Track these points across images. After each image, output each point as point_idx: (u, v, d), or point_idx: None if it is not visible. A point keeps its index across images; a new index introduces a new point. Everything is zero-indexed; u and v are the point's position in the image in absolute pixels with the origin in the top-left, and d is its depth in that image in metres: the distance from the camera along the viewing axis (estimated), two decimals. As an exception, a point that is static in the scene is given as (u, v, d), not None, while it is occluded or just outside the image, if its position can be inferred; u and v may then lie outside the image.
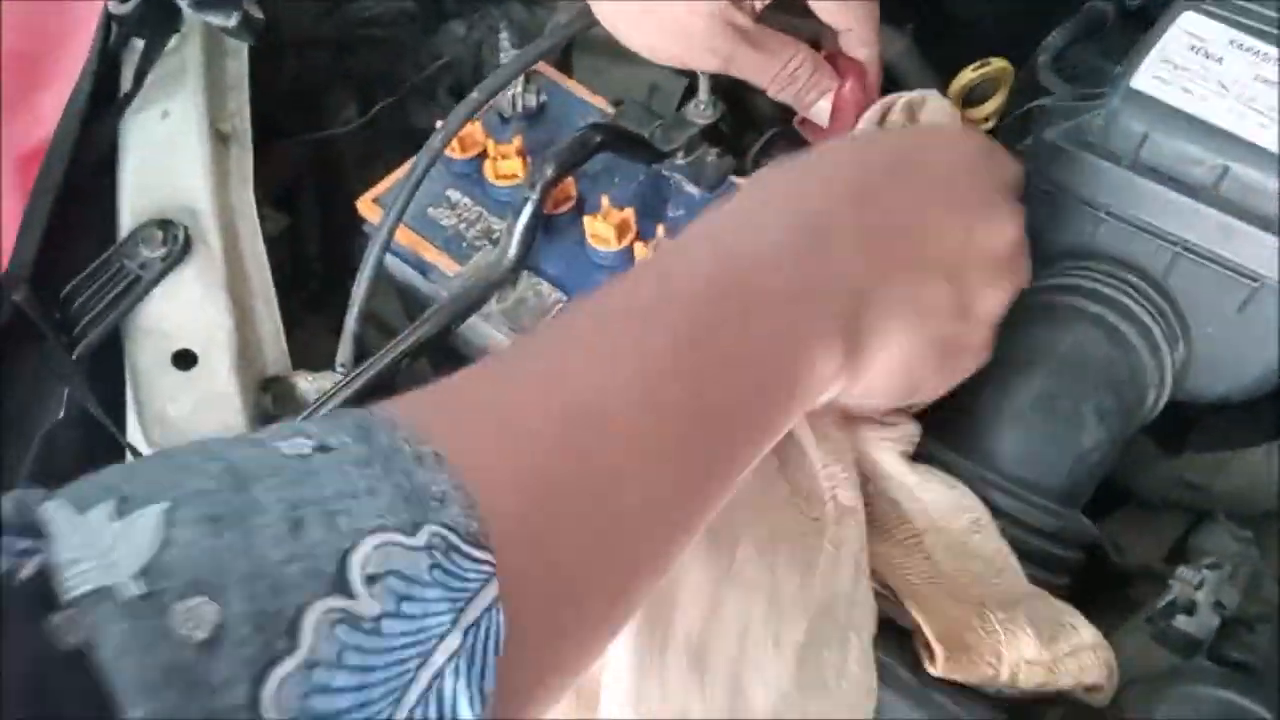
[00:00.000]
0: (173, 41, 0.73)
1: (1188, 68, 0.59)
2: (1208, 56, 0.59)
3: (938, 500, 0.54)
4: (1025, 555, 0.55)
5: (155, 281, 0.65)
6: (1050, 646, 0.50)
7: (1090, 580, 0.61)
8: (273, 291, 0.70)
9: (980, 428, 0.57)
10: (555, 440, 0.37)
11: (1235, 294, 0.58)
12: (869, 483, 0.55)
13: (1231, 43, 0.59)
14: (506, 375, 0.40)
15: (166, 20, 0.71)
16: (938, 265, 0.50)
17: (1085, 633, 0.52)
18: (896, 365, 0.48)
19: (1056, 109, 0.63)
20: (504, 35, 0.78)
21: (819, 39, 0.69)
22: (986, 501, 0.55)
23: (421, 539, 0.31)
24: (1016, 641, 0.50)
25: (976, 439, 0.57)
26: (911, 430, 0.56)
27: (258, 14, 0.67)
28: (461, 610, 0.31)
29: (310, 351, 0.84)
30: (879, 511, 0.55)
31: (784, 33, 0.66)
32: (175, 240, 0.66)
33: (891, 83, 0.92)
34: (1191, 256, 0.59)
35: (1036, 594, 0.53)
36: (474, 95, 0.68)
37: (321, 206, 0.95)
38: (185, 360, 0.65)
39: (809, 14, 0.67)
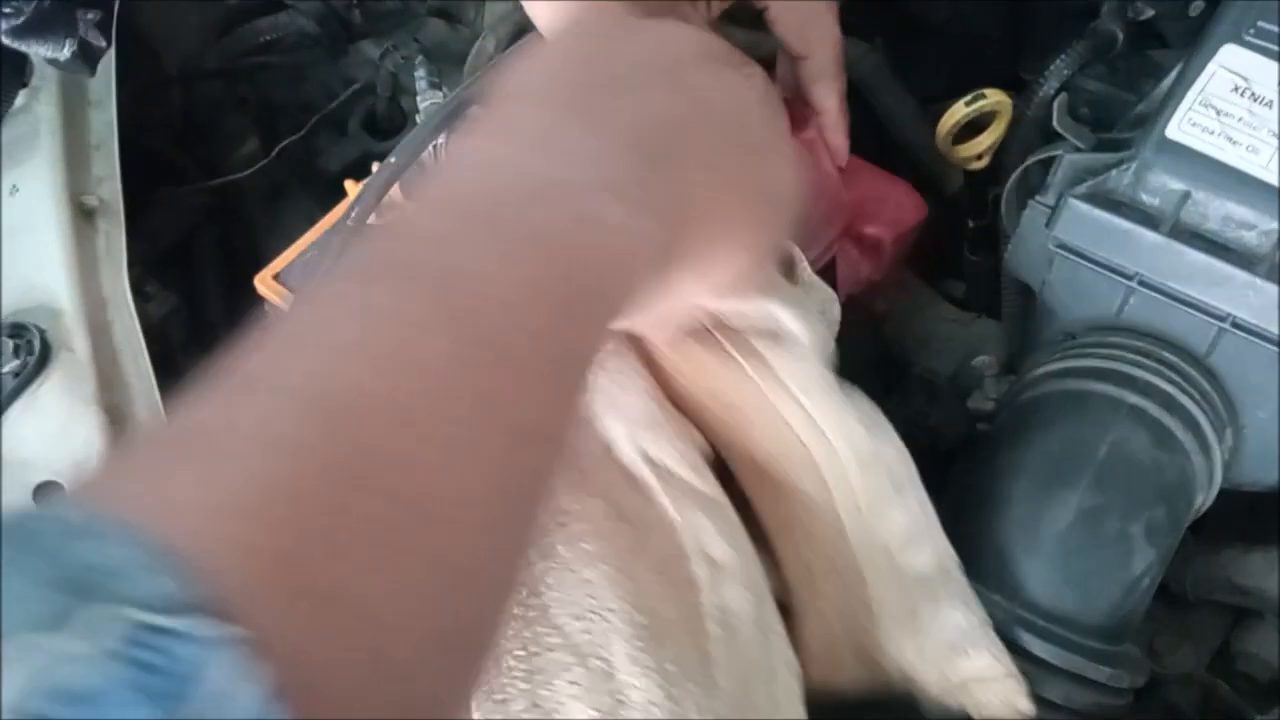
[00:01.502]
0: (20, 98, 0.61)
1: (1232, 113, 0.51)
2: (1255, 99, 0.50)
3: (846, 442, 0.44)
4: (1070, 711, 0.46)
5: (8, 402, 0.53)
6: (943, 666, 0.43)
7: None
8: (156, 393, 0.59)
9: (1008, 553, 0.49)
10: (309, 444, 0.27)
11: (1292, 375, 0.50)
12: (740, 426, 0.45)
13: (1283, 82, 0.50)
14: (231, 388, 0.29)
15: (12, 74, 0.59)
16: (649, 72, 0.39)
17: (981, 661, 0.43)
18: (712, 199, 0.38)
19: (1076, 161, 0.54)
20: (420, 73, 0.66)
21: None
22: (1018, 645, 0.46)
23: (79, 633, 0.22)
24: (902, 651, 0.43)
25: (1004, 567, 0.48)
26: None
27: (99, 40, 0.54)
28: (176, 704, 0.22)
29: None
30: (763, 472, 0.45)
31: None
32: (30, 349, 0.54)
33: (863, 102, 0.83)
34: (1240, 334, 0.51)
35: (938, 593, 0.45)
36: (391, 160, 0.57)
37: (223, 261, 0.84)
38: (50, 494, 0.54)
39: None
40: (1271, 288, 0.49)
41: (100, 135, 0.63)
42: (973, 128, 0.66)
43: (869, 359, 0.83)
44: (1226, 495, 0.56)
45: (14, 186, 0.59)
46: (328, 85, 0.86)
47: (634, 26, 0.42)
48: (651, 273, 0.36)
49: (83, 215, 0.59)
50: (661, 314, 0.42)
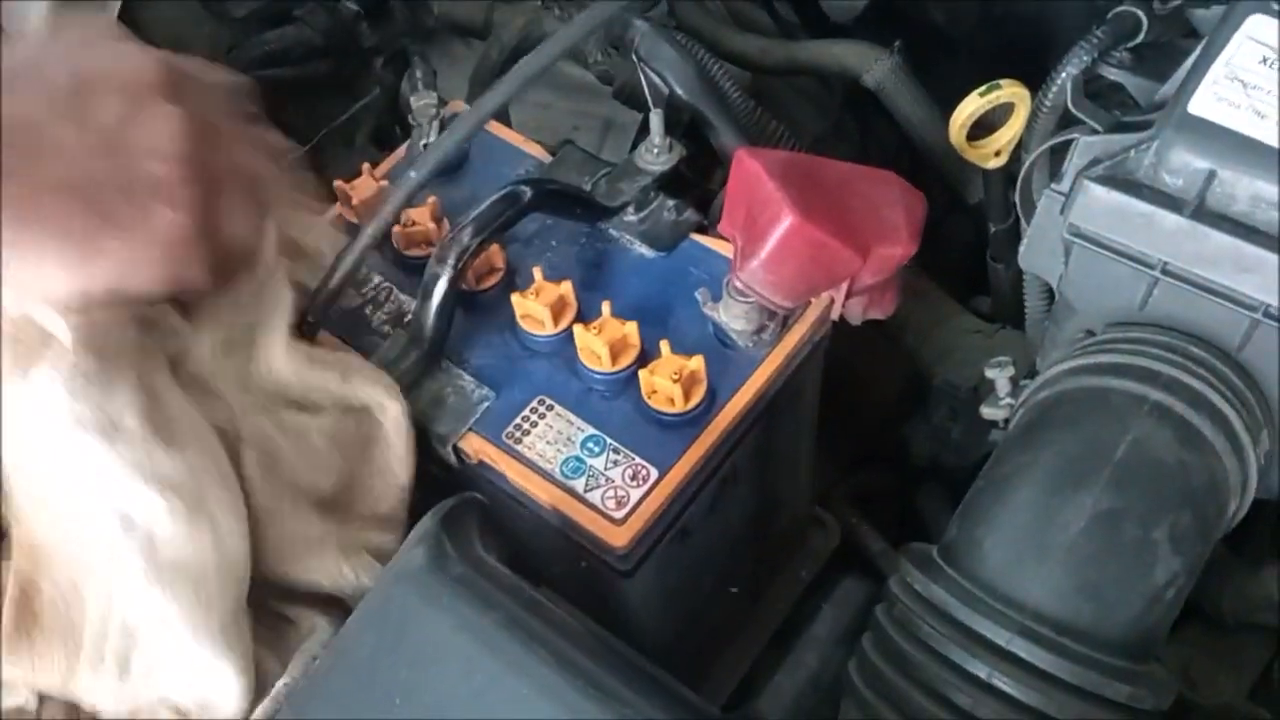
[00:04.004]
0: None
1: (1260, 85, 0.47)
2: (1285, 70, 0.47)
3: None
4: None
5: None
6: None
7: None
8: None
9: (1015, 558, 0.44)
10: None
11: (1334, 370, 0.46)
12: None
13: (1315, 51, 0.47)
14: None
15: None
16: None
17: None
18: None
19: (1093, 144, 0.50)
20: (417, 73, 0.64)
21: None
22: (1024, 660, 0.42)
23: None
24: None
25: (1010, 573, 0.44)
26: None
27: None
28: None
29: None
30: None
31: None
32: None
33: (878, 106, 0.80)
34: (1275, 325, 0.46)
35: None
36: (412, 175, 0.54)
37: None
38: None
39: None
40: (1308, 272, 0.45)
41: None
42: (990, 128, 0.63)
43: (900, 375, 0.79)
44: (1265, 507, 0.51)
45: None
46: (337, 98, 0.85)
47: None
48: None
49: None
50: None
